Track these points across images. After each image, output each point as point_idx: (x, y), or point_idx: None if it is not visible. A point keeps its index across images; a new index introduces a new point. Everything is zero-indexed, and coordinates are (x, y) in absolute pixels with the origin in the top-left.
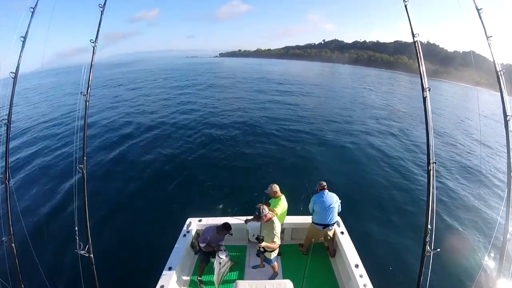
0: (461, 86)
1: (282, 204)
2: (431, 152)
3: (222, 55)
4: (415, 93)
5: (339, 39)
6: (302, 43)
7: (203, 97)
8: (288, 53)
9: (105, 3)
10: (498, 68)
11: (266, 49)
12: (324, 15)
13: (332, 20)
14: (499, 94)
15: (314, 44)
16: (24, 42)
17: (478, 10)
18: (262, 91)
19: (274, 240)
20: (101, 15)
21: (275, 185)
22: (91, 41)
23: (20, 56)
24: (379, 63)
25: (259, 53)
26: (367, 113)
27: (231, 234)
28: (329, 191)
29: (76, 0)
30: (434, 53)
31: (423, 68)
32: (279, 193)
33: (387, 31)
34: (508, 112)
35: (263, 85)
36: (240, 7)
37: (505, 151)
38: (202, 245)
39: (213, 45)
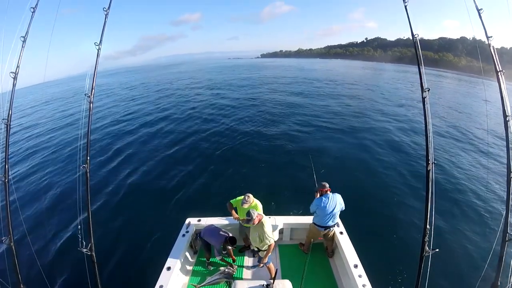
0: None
1: (260, 210)
2: (430, 152)
3: (263, 55)
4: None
5: (382, 37)
6: (344, 42)
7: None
8: (330, 52)
9: (109, 7)
10: (498, 68)
11: (307, 49)
12: (367, 12)
13: (375, 18)
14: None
15: (356, 42)
16: (24, 42)
17: (478, 10)
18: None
19: (268, 241)
20: (106, 18)
21: (249, 194)
22: (96, 44)
23: (20, 56)
24: (423, 61)
25: (300, 53)
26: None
27: (235, 247)
28: (332, 191)
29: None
30: (481, 50)
31: (422, 69)
32: (254, 200)
33: (431, 27)
34: (508, 112)
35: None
36: (282, 8)
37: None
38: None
39: (254, 46)
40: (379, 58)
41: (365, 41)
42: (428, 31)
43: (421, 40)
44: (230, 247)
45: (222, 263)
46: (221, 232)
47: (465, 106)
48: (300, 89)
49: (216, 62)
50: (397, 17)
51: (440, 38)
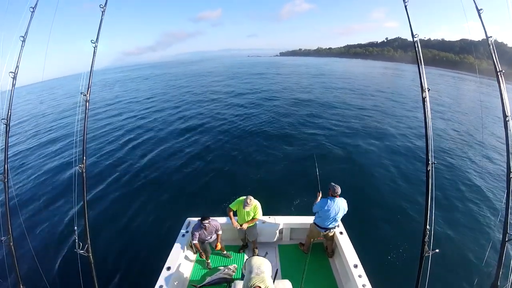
0: None
1: (259, 210)
2: (430, 152)
3: (282, 54)
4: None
5: (403, 37)
6: (364, 42)
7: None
8: (349, 51)
9: (106, 4)
10: (498, 68)
11: (327, 47)
12: (388, 12)
13: (396, 17)
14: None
15: (377, 42)
16: (24, 42)
17: (478, 10)
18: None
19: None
20: (102, 15)
21: (250, 197)
22: (92, 41)
23: (20, 56)
24: (444, 62)
25: (319, 52)
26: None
27: (204, 226)
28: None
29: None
30: (502, 53)
31: (422, 69)
32: (254, 201)
33: (454, 28)
34: (508, 113)
35: None
36: (302, 6)
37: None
38: (194, 241)
39: (273, 44)
40: (399, 59)
41: (385, 41)
42: (451, 32)
43: (443, 41)
44: (219, 233)
45: (221, 256)
46: (200, 227)
47: (474, 107)
48: (314, 91)
49: (236, 60)
50: (416, 16)
51: (462, 40)
